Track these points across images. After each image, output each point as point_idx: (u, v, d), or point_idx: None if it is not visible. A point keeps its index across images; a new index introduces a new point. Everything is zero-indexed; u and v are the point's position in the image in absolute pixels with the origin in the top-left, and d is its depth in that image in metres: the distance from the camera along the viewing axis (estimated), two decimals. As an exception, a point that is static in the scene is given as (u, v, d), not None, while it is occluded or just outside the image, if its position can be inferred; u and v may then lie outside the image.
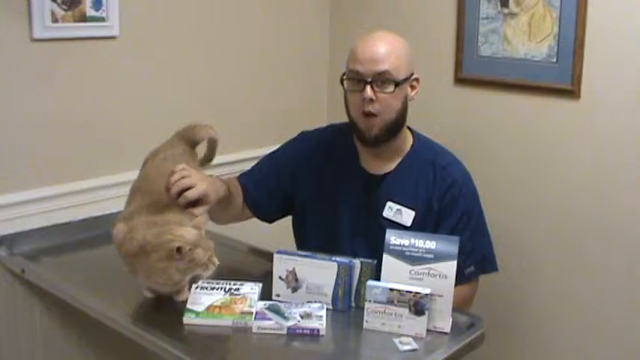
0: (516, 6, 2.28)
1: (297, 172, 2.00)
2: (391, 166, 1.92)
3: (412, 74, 1.87)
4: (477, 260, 1.88)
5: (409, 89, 1.87)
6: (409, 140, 1.95)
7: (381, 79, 1.79)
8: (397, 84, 1.80)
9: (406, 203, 1.88)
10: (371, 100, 1.79)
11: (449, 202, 1.87)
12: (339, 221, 1.93)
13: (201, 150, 1.93)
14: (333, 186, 1.95)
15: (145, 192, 1.71)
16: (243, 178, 2.04)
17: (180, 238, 1.54)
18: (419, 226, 1.84)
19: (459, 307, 1.70)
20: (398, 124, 1.86)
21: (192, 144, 1.86)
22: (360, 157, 1.94)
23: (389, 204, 1.88)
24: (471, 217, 1.89)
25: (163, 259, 1.55)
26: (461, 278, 1.73)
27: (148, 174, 1.76)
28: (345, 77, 1.85)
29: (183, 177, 1.67)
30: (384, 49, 1.80)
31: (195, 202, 1.69)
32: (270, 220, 2.07)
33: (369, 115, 1.81)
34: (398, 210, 1.88)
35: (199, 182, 1.68)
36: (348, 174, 1.95)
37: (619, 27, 2.10)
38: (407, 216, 1.87)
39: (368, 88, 1.78)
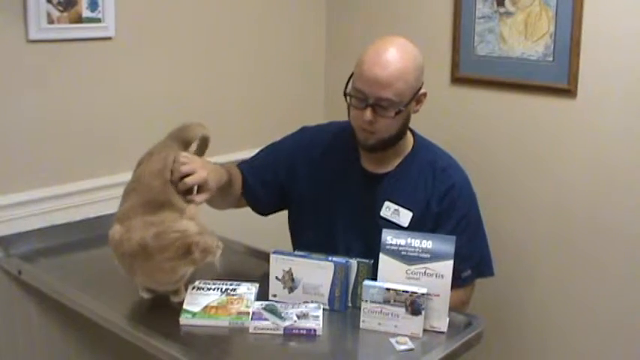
0: (512, 5, 2.28)
1: (295, 167, 1.99)
2: (391, 166, 1.92)
3: (419, 90, 1.83)
4: (473, 264, 1.88)
5: (413, 104, 1.85)
6: (410, 141, 1.95)
7: (383, 104, 1.76)
8: (398, 111, 1.77)
9: (404, 204, 1.87)
10: (370, 121, 1.78)
11: (448, 205, 1.87)
12: (335, 218, 1.93)
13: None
14: (331, 182, 1.95)
15: (140, 192, 1.71)
16: (244, 164, 2.03)
17: (186, 233, 1.54)
18: (416, 228, 1.82)
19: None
20: (396, 138, 1.86)
21: (186, 143, 1.86)
22: (360, 155, 1.94)
23: (387, 204, 1.88)
24: (469, 221, 1.88)
25: (173, 258, 1.55)
26: (457, 282, 1.73)
27: (141, 174, 1.76)
28: (348, 92, 1.82)
29: (183, 164, 1.68)
30: (392, 73, 1.74)
31: (197, 190, 1.70)
32: (265, 213, 2.06)
33: (366, 130, 1.81)
34: (395, 210, 1.87)
35: (200, 169, 1.69)
36: (347, 171, 1.95)
37: (615, 26, 2.10)
38: (404, 216, 1.87)
39: (368, 110, 1.76)
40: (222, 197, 1.89)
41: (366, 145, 1.85)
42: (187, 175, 1.67)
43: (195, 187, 1.69)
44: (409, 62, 1.78)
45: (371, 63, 1.76)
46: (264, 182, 2.00)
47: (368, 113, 1.76)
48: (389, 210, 1.88)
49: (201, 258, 1.56)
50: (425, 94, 1.86)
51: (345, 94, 1.82)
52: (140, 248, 1.56)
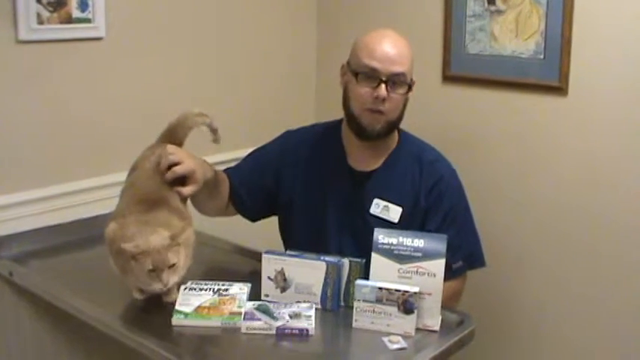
0: (503, 3, 2.28)
1: (281, 171, 1.99)
2: (378, 163, 1.92)
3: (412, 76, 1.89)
4: (464, 255, 1.89)
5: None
6: (395, 137, 1.96)
7: (396, 80, 1.81)
8: (409, 87, 1.84)
9: (393, 200, 1.88)
10: (383, 99, 1.80)
11: (436, 198, 1.88)
12: (325, 219, 1.93)
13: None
14: (319, 184, 1.95)
15: (134, 191, 1.71)
16: (230, 170, 2.03)
17: (143, 244, 1.53)
18: (406, 222, 1.84)
19: (447, 302, 1.70)
20: (398, 122, 1.89)
21: (179, 143, 1.85)
22: (346, 154, 1.95)
23: (376, 201, 1.89)
24: (457, 213, 1.90)
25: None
26: (449, 274, 1.73)
27: (137, 176, 1.75)
28: (355, 69, 1.84)
29: (171, 154, 1.71)
30: (401, 51, 1.83)
31: (184, 183, 1.72)
32: (253, 219, 2.06)
33: (376, 111, 1.82)
34: (385, 206, 1.88)
35: (187, 160, 1.72)
36: (334, 171, 1.95)
37: (606, 23, 2.11)
38: (394, 212, 1.87)
39: (383, 86, 1.80)
40: (208, 196, 1.89)
41: (372, 130, 1.85)
42: (175, 165, 1.70)
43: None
44: (408, 44, 1.87)
45: (380, 43, 1.83)
46: (251, 188, 2.00)
47: (383, 89, 1.80)
48: (378, 207, 1.88)
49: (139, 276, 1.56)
50: (414, 82, 1.91)
51: (356, 74, 1.83)
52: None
